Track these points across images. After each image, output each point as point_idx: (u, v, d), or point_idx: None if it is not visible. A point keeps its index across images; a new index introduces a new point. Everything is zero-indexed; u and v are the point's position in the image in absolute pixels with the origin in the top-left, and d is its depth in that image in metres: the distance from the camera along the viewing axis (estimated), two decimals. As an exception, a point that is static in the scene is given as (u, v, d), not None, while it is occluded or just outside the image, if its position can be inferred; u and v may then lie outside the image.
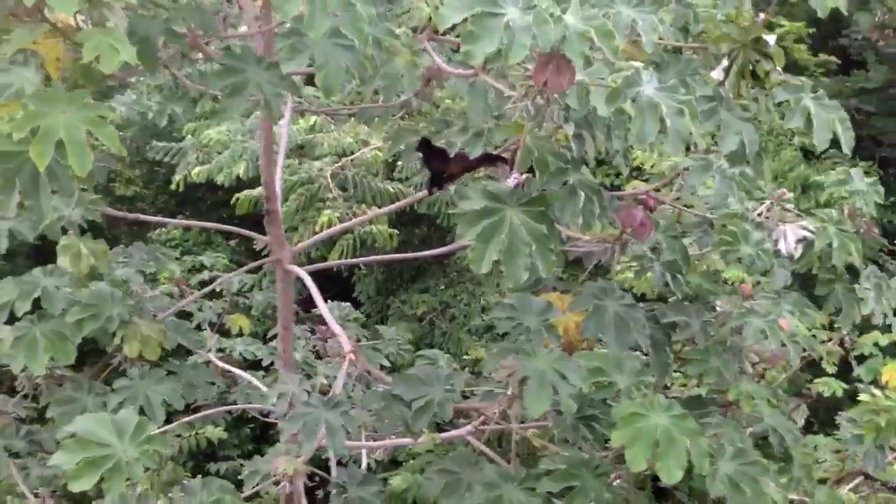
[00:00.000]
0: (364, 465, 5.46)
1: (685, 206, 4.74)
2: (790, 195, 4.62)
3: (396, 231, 8.55)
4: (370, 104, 5.06)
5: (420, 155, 4.51)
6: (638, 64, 3.11)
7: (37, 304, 4.01)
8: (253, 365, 6.72)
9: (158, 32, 3.16)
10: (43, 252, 10.10)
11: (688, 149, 4.78)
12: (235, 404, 5.80)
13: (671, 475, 3.63)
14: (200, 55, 4.61)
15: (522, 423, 4.27)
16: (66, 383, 4.23)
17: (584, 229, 3.53)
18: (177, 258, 6.33)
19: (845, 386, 7.75)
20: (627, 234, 4.37)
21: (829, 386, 7.75)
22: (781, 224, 4.53)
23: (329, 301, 6.78)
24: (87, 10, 2.88)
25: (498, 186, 3.24)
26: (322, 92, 3.07)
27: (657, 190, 4.62)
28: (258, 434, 9.73)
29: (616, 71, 3.08)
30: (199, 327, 6.01)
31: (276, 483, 3.71)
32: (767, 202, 4.59)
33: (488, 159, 4.46)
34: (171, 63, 3.66)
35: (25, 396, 4.62)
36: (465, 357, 9.43)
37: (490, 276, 9.96)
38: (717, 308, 4.64)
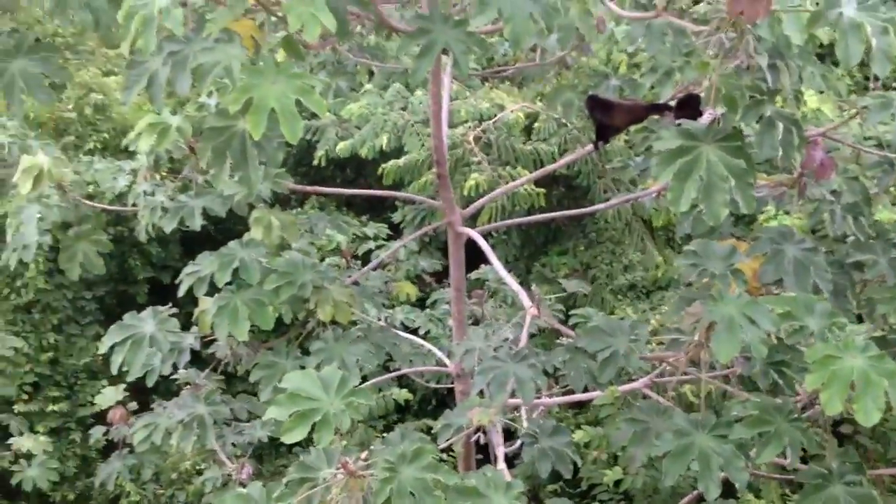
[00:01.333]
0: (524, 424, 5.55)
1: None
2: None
3: (543, 190, 8.55)
4: (525, 64, 5.09)
5: (586, 110, 4.51)
6: (839, -16, 3.01)
7: (235, 275, 4.22)
8: (410, 332, 6.86)
9: (347, 2, 3.25)
10: (186, 241, 10.61)
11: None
12: (399, 370, 5.95)
13: (869, 417, 3.53)
14: (359, 28, 4.74)
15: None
16: (263, 350, 4.45)
17: (784, 162, 3.45)
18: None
19: None
20: (806, 177, 4.26)
21: None
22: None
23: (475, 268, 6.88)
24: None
25: (692, 124, 3.20)
26: (511, 43, 3.10)
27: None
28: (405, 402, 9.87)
29: (811, -6, 3.00)
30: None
31: (472, 435, 3.83)
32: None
33: (655, 109, 4.42)
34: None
35: (214, 369, 4.89)
36: (612, 317, 9.38)
37: (632, 234, 9.84)
38: (901, 245, 4.48)
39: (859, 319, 5.97)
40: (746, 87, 3.26)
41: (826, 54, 4.88)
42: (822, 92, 4.49)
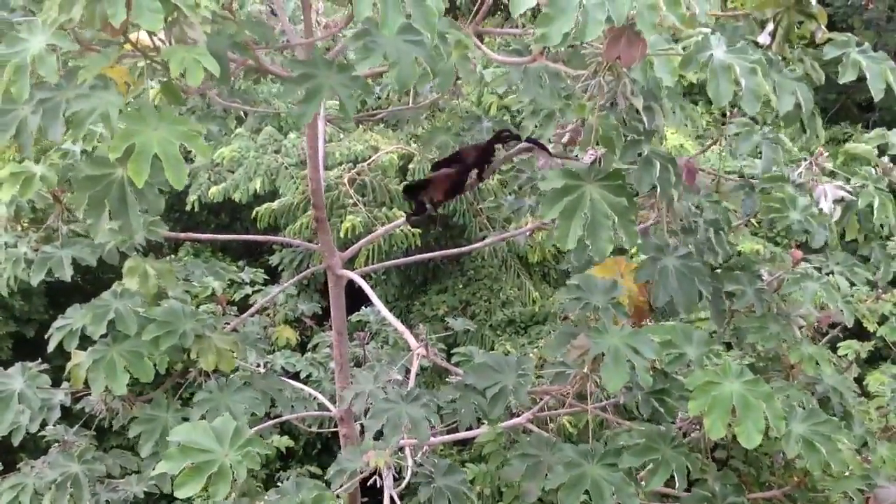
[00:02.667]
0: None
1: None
2: (826, 154, 4.67)
3: (419, 230, 8.61)
4: (398, 107, 5.14)
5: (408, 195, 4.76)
6: (706, 30, 3.19)
7: (110, 327, 4.05)
8: (291, 376, 6.76)
9: (227, 47, 3.22)
10: (52, 292, 10.14)
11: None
12: (280, 416, 5.83)
13: (751, 439, 3.69)
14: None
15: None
16: (139, 403, 4.28)
17: (663, 198, 3.60)
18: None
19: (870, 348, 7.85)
20: None
21: (851, 348, 7.81)
22: (820, 184, 4.58)
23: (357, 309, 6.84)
24: (166, 30, 2.94)
25: (575, 164, 3.31)
26: (397, 87, 3.14)
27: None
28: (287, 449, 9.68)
29: (684, 39, 3.15)
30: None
31: (367, 478, 3.79)
32: (805, 162, 4.64)
33: (473, 166, 4.67)
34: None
35: (85, 425, 4.67)
36: (497, 353, 9.48)
37: (509, 271, 10.02)
38: (764, 276, 4.71)
39: (728, 347, 6.26)
40: (623, 128, 3.39)
41: (686, 92, 5.12)
42: (685, 125, 4.68)
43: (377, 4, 2.90)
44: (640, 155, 3.48)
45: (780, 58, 3.60)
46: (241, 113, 5.14)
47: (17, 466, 4.66)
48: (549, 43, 2.87)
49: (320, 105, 3.22)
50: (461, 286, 10.14)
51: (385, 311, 4.57)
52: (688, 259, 4.16)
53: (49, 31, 2.80)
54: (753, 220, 5.38)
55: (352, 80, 3.21)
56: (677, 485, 3.86)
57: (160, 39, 3.03)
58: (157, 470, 3.23)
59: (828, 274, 4.64)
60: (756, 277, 4.62)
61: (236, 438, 3.25)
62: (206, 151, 2.87)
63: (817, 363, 4.46)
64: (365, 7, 2.88)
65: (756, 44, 3.70)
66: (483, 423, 4.65)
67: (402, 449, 4.78)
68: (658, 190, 3.55)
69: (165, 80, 2.99)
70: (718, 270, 4.67)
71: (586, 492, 3.83)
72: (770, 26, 3.67)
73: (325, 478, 3.94)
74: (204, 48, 2.88)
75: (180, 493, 3.14)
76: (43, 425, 4.42)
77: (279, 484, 5.46)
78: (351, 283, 4.66)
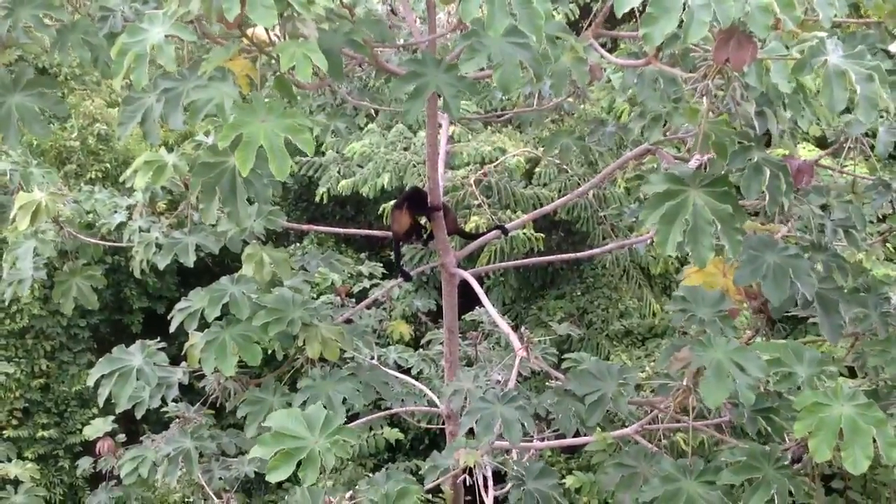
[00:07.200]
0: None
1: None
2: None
3: (542, 235, 8.58)
4: (523, 109, 5.15)
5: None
6: (822, 34, 3.06)
7: (225, 310, 4.23)
8: (403, 372, 6.85)
9: (342, 44, 3.31)
10: (183, 272, 10.58)
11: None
12: (390, 409, 5.92)
13: (857, 465, 3.51)
14: (359, 72, 4.82)
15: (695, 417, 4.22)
16: (252, 385, 4.45)
17: (771, 206, 3.48)
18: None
19: None
20: None
21: None
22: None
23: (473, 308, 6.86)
24: (280, 25, 3.04)
25: (680, 168, 3.24)
26: (499, 88, 3.15)
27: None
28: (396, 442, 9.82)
29: (798, 43, 3.04)
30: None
31: (457, 476, 3.81)
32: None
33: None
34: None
35: (204, 403, 4.88)
36: (601, 361, 9.34)
37: (629, 281, 9.85)
38: (893, 299, 4.46)
39: (851, 373, 5.95)
40: (735, 134, 3.29)
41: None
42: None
43: (484, 5, 2.91)
44: (749, 162, 3.35)
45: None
46: (372, 111, 5.27)
47: (140, 439, 4.92)
48: (652, 43, 2.82)
49: (424, 103, 3.26)
50: (579, 293, 10.03)
51: (493, 312, 4.57)
52: (793, 258, 3.87)
53: (169, 22, 2.95)
54: (890, 246, 5.11)
55: (458, 80, 3.24)
56: (777, 507, 3.71)
57: (276, 35, 3.14)
58: (250, 454, 3.34)
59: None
60: (884, 300, 4.39)
61: (327, 426, 3.31)
62: (310, 145, 2.95)
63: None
64: (472, 7, 2.91)
65: (888, 53, 3.53)
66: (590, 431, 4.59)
67: (508, 451, 4.79)
68: (767, 198, 3.41)
69: (278, 74, 3.10)
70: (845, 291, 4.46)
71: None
72: (902, 35, 3.49)
73: (420, 472, 3.99)
74: (315, 44, 2.96)
75: (271, 477, 3.23)
76: (164, 402, 4.65)
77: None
78: (468, 282, 4.71)
